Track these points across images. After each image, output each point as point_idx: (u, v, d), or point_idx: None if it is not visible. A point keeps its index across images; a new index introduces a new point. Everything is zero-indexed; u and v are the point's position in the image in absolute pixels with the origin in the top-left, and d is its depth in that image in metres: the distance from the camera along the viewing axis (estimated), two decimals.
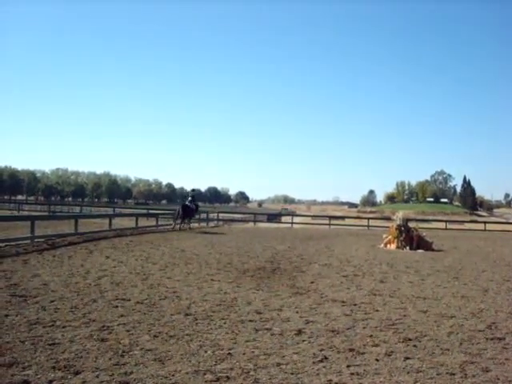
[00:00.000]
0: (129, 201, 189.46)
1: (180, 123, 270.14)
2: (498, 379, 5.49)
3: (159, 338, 6.62)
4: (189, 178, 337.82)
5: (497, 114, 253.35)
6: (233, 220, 48.62)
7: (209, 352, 6.11)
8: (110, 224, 25.54)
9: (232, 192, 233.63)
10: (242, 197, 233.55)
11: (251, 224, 44.73)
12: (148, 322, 7.44)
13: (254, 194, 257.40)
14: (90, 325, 7.18)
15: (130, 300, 8.99)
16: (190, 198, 31.78)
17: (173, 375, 5.28)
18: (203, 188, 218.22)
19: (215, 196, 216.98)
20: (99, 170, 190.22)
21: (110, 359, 5.72)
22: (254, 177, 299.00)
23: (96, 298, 9.08)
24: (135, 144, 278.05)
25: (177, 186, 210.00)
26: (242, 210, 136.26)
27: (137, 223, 28.34)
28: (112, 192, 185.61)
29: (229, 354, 6.07)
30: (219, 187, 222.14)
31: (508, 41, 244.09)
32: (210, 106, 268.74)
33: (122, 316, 7.77)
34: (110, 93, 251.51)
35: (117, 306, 8.44)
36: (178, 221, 29.78)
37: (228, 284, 11.12)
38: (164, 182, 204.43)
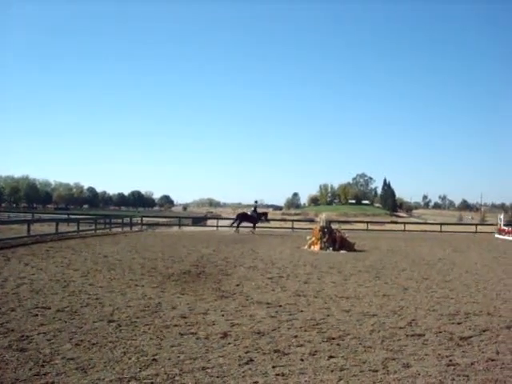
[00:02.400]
0: (49, 206, 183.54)
1: (103, 124, 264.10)
2: (419, 374, 5.67)
3: (81, 347, 6.45)
4: (111, 182, 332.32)
5: (415, 118, 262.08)
6: (157, 224, 47.98)
7: (133, 359, 6.00)
8: (29, 230, 24.66)
9: (156, 196, 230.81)
10: (167, 200, 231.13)
11: (176, 228, 44.36)
12: (69, 331, 7.23)
13: (179, 198, 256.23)
14: (9, 335, 6.91)
15: (50, 308, 8.70)
16: (252, 209, 38.17)
17: None
18: (126, 192, 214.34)
19: (139, 200, 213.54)
20: (17, 174, 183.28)
21: (30, 369, 5.52)
22: (179, 180, 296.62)
23: (14, 306, 8.74)
24: (55, 146, 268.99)
25: (99, 189, 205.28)
26: (166, 213, 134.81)
27: (57, 229, 27.46)
28: (31, 197, 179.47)
29: (153, 359, 5.99)
30: (143, 191, 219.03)
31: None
32: (133, 108, 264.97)
33: (42, 325, 7.52)
34: (20, 90, 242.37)
35: (36, 315, 8.16)
36: (237, 224, 36.05)
37: (152, 289, 10.97)
38: (85, 186, 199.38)
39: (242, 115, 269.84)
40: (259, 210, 39.40)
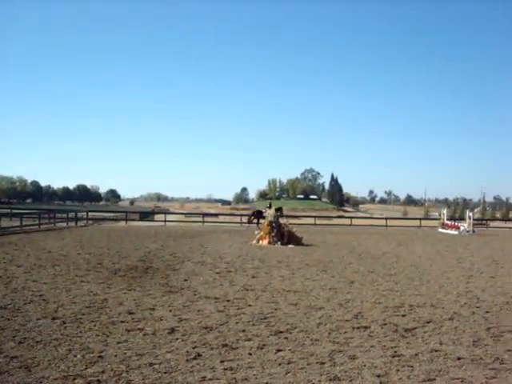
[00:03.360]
0: None
1: (48, 119, 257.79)
2: (365, 366, 5.77)
3: (25, 344, 6.29)
4: (56, 176, 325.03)
5: (361, 114, 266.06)
6: (104, 219, 47.27)
7: (78, 356, 5.89)
8: None
9: (102, 190, 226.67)
10: (113, 195, 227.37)
11: (123, 223, 43.76)
12: (12, 328, 7.04)
13: (126, 192, 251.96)
14: None
15: None
16: (268, 205, 37.03)
17: (40, 382, 5.05)
18: (71, 186, 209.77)
19: (85, 194, 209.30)
20: None
21: None
22: (126, 174, 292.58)
23: None
24: None
25: (43, 183, 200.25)
26: (113, 208, 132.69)
27: None
28: None
29: (100, 356, 5.89)
30: (89, 185, 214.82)
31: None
32: (78, 102, 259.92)
33: None
34: None
35: None
36: (255, 221, 36.44)
37: (98, 285, 10.80)
38: (29, 180, 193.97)
39: (191, 110, 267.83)
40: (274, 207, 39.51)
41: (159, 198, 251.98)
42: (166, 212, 62.97)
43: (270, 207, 36.94)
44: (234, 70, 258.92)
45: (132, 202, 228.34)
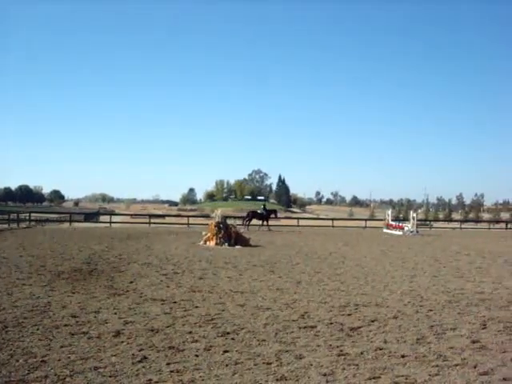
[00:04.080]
0: None
1: None
2: (311, 365, 5.81)
3: None
4: None
5: (308, 116, 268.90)
6: (47, 220, 46.30)
7: (21, 361, 5.73)
8: None
9: (46, 191, 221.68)
10: (57, 195, 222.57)
11: (67, 224, 42.87)
12: None
13: (70, 193, 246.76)
14: None
15: None
16: (262, 207, 40.07)
17: None
18: (13, 186, 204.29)
19: (27, 195, 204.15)
20: None
21: None
22: (70, 175, 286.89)
23: None
24: None
25: None
26: (56, 209, 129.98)
27: None
28: None
29: (42, 361, 5.74)
30: (31, 185, 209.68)
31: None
32: (22, 105, 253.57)
33: None
34: None
35: None
36: (247, 222, 37.58)
37: (41, 288, 10.53)
38: None
39: (137, 110, 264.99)
40: (268, 208, 41.25)
41: (104, 198, 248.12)
42: (111, 213, 62.21)
43: (264, 208, 39.71)
44: (180, 71, 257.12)
45: (76, 202, 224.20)
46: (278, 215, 42.46)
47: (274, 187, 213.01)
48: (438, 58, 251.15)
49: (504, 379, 5.45)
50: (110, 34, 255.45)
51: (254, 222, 38.39)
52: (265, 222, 38.61)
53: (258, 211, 39.94)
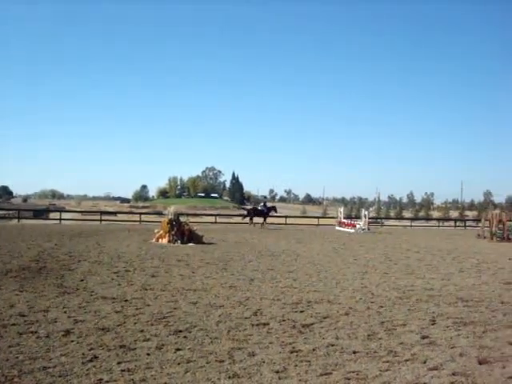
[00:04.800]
0: None
1: None
2: (264, 362, 5.82)
3: None
4: None
5: (259, 113, 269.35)
6: None
7: None
8: None
9: None
10: (5, 192, 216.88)
11: (15, 221, 41.86)
12: None
13: (19, 189, 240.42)
14: None
15: None
16: (262, 204, 43.23)
17: None
18: None
19: None
20: None
21: None
22: (19, 171, 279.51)
23: None
24: None
25: None
26: (4, 205, 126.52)
27: None
28: None
29: None
30: None
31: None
32: None
33: None
34: None
35: None
36: (249, 220, 39.71)
37: None
38: None
39: (85, 106, 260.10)
40: (268, 205, 42.92)
41: (55, 195, 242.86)
42: (61, 210, 60.75)
43: (264, 205, 41.76)
44: (130, 66, 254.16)
45: (25, 199, 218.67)
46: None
47: (228, 184, 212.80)
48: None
49: (453, 374, 5.57)
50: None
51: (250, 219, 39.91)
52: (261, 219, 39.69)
53: (259, 208, 41.77)
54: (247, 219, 40.38)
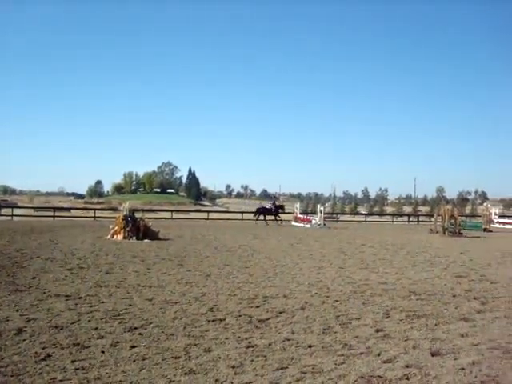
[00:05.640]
0: None
1: None
2: (220, 358, 5.82)
3: None
4: None
5: (217, 109, 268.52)
6: None
7: None
8: None
9: None
10: None
11: None
12: None
13: None
14: None
15: None
16: (271, 202, 44.73)
17: None
18: None
19: None
20: None
21: None
22: None
23: None
24: None
25: None
26: None
27: None
28: None
29: None
30: None
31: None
32: None
33: None
34: None
35: None
36: (257, 217, 40.83)
37: None
38: None
39: (39, 100, 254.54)
40: (277, 203, 44.70)
41: (6, 190, 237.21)
42: (13, 206, 59.31)
43: (274, 204, 42.86)
44: (75, 59, 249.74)
45: None
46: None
47: (184, 180, 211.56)
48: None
49: (406, 366, 5.67)
50: None
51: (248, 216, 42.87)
52: (271, 217, 40.53)
53: (267, 207, 43.28)
54: (261, 217, 40.92)
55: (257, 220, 40.67)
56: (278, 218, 40.47)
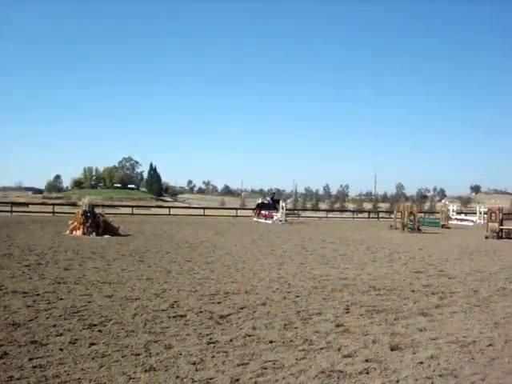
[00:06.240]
0: None
1: None
2: (181, 354, 5.77)
3: None
4: None
5: (178, 104, 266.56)
6: None
7: None
8: None
9: None
10: None
11: None
12: None
13: None
14: None
15: None
16: (268, 198, 46.65)
17: None
18: None
19: None
20: None
21: None
22: None
23: None
24: None
25: None
26: None
27: None
28: None
29: None
30: None
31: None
32: None
33: None
34: None
35: None
36: (256, 213, 42.77)
37: None
38: None
39: None
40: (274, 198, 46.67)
41: None
42: None
43: (272, 199, 45.06)
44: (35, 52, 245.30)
45: None
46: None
47: (146, 175, 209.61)
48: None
49: (366, 360, 5.73)
50: None
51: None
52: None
53: (265, 202, 44.86)
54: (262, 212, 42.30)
55: (258, 214, 42.18)
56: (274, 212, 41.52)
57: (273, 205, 42.57)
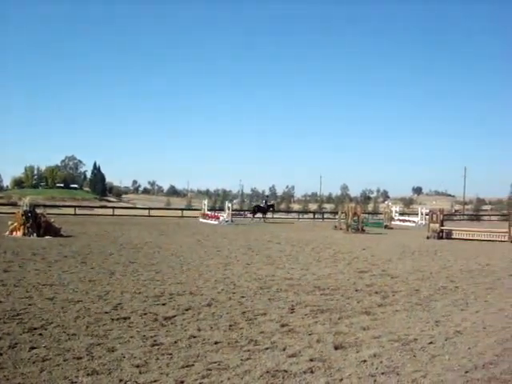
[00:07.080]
0: None
1: None
2: (124, 357, 5.68)
3: None
4: None
5: (122, 103, 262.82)
6: None
7: None
8: None
9: None
10: None
11: None
12: None
13: None
14: None
15: None
16: (264, 201, 49.83)
17: None
18: None
19: None
20: None
21: None
22: None
23: None
24: None
25: None
26: None
27: None
28: None
29: None
30: None
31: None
32: None
33: None
34: None
35: None
36: (252, 215, 46.38)
37: None
38: None
39: None
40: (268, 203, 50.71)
41: None
42: None
43: (265, 202, 48.29)
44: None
45: None
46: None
47: (89, 175, 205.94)
48: None
49: (311, 360, 5.77)
50: None
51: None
52: (264, 215, 46.25)
53: (261, 205, 48.34)
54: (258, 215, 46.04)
55: (253, 217, 45.44)
56: (264, 216, 45.91)
57: (267, 208, 46.63)
